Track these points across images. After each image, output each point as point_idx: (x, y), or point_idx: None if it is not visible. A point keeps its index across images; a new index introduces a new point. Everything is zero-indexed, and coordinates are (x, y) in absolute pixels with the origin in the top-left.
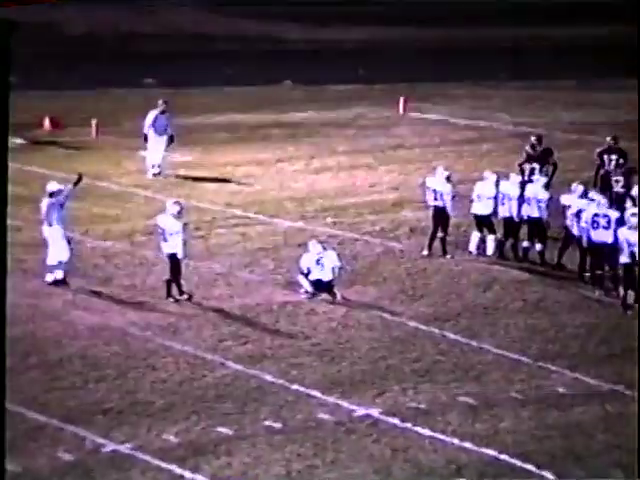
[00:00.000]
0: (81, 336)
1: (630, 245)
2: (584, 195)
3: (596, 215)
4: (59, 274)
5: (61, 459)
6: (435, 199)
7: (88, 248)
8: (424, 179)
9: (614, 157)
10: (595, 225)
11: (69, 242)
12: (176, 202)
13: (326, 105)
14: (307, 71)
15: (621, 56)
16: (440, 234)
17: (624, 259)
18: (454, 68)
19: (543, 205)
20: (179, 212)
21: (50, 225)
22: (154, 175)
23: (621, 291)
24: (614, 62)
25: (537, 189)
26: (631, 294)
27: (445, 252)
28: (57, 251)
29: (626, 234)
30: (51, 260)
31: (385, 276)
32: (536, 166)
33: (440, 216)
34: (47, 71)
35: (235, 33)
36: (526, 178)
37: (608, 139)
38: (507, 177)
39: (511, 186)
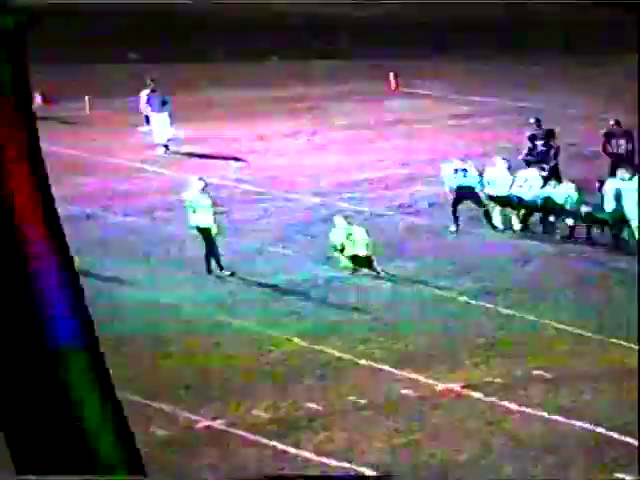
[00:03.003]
0: (137, 313)
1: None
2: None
3: None
4: None
5: (156, 435)
6: (465, 176)
7: (113, 223)
8: (440, 165)
9: (622, 142)
10: None
11: None
12: (200, 178)
13: (317, 81)
14: (295, 46)
15: (616, 31)
16: (483, 208)
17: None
18: (444, 43)
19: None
20: (203, 188)
21: None
22: (166, 149)
23: None
24: (609, 37)
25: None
26: None
27: (494, 225)
28: None
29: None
30: None
31: (418, 251)
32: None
33: (468, 194)
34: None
35: (221, 9)
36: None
37: (611, 122)
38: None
39: (534, 176)
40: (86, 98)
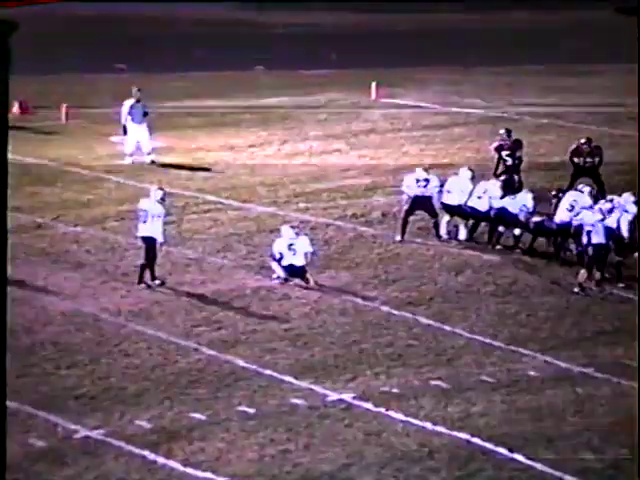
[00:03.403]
0: (53, 322)
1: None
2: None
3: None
4: None
5: (33, 445)
6: (425, 187)
7: (59, 234)
8: (403, 176)
9: (589, 160)
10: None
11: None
12: (160, 188)
13: (298, 90)
14: (278, 56)
15: (590, 41)
16: (434, 219)
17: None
18: (425, 53)
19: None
20: (162, 198)
21: None
22: (152, 162)
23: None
24: (582, 47)
25: (527, 198)
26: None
27: (439, 236)
28: None
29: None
30: None
31: (357, 261)
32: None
33: (424, 204)
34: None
35: (206, 17)
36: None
37: (582, 141)
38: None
39: (493, 188)
40: (63, 107)
